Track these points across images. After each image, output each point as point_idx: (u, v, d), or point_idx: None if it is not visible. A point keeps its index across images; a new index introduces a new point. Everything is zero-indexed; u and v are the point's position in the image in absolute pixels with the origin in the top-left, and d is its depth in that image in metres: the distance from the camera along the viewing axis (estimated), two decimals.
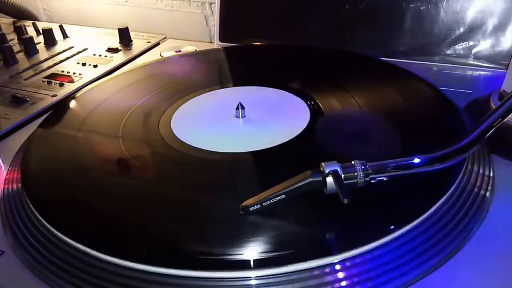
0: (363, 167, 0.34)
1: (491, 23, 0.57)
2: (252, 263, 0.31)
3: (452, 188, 0.37)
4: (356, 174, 0.34)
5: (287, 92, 0.54)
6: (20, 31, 0.83)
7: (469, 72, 0.59)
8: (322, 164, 0.34)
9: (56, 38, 0.81)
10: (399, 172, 0.35)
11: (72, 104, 0.57)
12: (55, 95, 0.61)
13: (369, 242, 0.32)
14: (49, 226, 0.36)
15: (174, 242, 0.34)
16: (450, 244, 0.33)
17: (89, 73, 0.68)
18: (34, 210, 0.38)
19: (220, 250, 0.32)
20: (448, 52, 0.60)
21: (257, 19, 0.72)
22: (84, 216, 0.37)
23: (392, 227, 0.33)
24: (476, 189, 0.38)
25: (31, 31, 0.84)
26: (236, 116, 0.50)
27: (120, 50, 0.76)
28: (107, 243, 0.34)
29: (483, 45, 0.58)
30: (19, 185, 0.42)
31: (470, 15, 0.58)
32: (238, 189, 0.41)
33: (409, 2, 0.61)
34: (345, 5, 0.65)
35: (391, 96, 0.51)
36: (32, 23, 0.86)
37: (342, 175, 0.34)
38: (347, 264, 0.32)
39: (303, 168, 0.35)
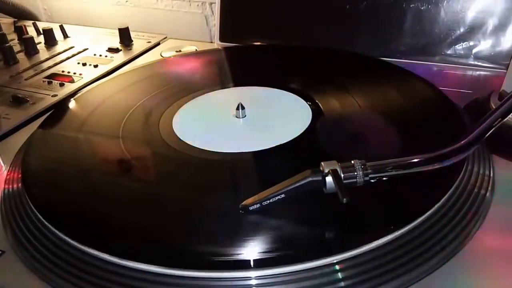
0: (362, 166, 0.34)
1: (491, 23, 0.57)
2: (252, 262, 0.31)
3: (452, 188, 0.37)
4: (355, 173, 0.34)
5: (287, 92, 0.54)
6: (20, 31, 0.83)
7: (469, 72, 0.59)
8: (322, 163, 0.35)
9: (57, 38, 0.81)
10: (398, 172, 0.35)
11: (73, 104, 0.57)
12: (55, 95, 0.61)
13: (369, 242, 0.32)
14: (49, 226, 0.36)
15: (174, 242, 0.34)
16: (450, 244, 0.33)
17: (90, 73, 0.68)
18: (35, 210, 0.38)
19: (220, 250, 0.32)
20: (448, 52, 0.60)
21: (257, 19, 0.72)
22: (85, 216, 0.37)
23: (392, 227, 0.33)
24: (476, 189, 0.38)
25: (31, 31, 0.84)
26: (236, 116, 0.50)
27: (121, 50, 0.76)
28: (108, 242, 0.34)
29: (483, 45, 0.58)
30: (20, 185, 0.42)
31: (470, 15, 0.58)
32: (238, 189, 0.41)
33: (409, 2, 0.61)
34: (345, 5, 0.65)
35: (391, 96, 0.51)
36: (33, 23, 0.87)
37: (342, 175, 0.34)
38: (347, 264, 0.32)
39: (303, 168, 0.35)
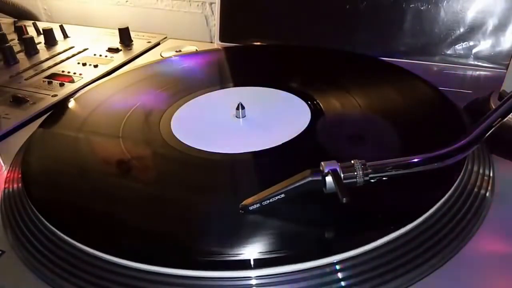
0: (362, 166, 0.34)
1: (491, 23, 0.57)
2: (252, 262, 0.31)
3: (452, 188, 0.37)
4: (355, 173, 0.34)
5: (287, 92, 0.54)
6: (20, 31, 0.83)
7: (469, 72, 0.59)
8: (322, 163, 0.34)
9: (57, 38, 0.81)
10: (398, 172, 0.35)
11: (73, 104, 0.57)
12: (55, 95, 0.61)
13: (369, 242, 0.32)
14: (50, 226, 0.36)
15: (174, 242, 0.34)
16: (450, 244, 0.33)
17: (90, 73, 0.68)
18: (35, 210, 0.38)
19: (219, 250, 0.32)
20: (448, 52, 0.60)
21: (257, 19, 0.72)
22: (85, 216, 0.37)
23: (392, 227, 0.33)
24: (476, 189, 0.38)
25: (31, 31, 0.84)
26: (236, 116, 0.50)
27: (121, 50, 0.76)
28: (108, 242, 0.34)
29: (483, 45, 0.58)
30: (20, 185, 0.42)
31: (470, 15, 0.58)
32: (238, 189, 0.41)
33: (409, 2, 0.61)
34: (345, 5, 0.65)
35: (391, 96, 0.51)
36: (33, 23, 0.87)
37: (342, 175, 0.34)
38: (347, 264, 0.32)
39: (303, 168, 0.35)
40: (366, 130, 0.47)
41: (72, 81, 0.65)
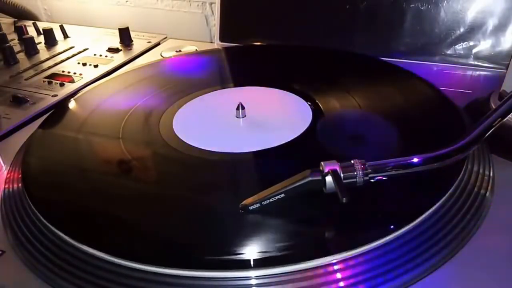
0: (362, 166, 0.34)
1: (491, 23, 0.57)
2: (252, 262, 0.31)
3: (452, 187, 0.37)
4: (355, 173, 0.34)
5: (287, 92, 0.54)
6: (20, 31, 0.83)
7: (469, 72, 0.59)
8: (322, 163, 0.35)
9: (57, 38, 0.81)
10: (398, 172, 0.35)
11: (73, 104, 0.57)
12: (55, 95, 0.61)
13: (369, 242, 0.32)
14: (50, 226, 0.36)
15: (174, 242, 0.34)
16: (450, 244, 0.33)
17: (90, 73, 0.68)
18: (35, 210, 0.38)
19: (219, 250, 0.32)
20: (448, 52, 0.60)
21: (257, 19, 0.72)
22: (85, 216, 0.37)
23: (392, 226, 0.33)
24: (476, 189, 0.38)
25: (31, 31, 0.84)
26: (237, 116, 0.50)
27: (121, 50, 0.76)
28: (108, 242, 0.34)
29: (483, 45, 0.58)
30: (20, 185, 0.42)
31: (470, 15, 0.58)
32: (238, 189, 0.41)
33: (409, 2, 0.61)
34: (345, 5, 0.65)
35: (391, 96, 0.51)
36: (33, 23, 0.87)
37: (342, 175, 0.34)
38: (347, 264, 0.32)
39: (303, 168, 0.35)
40: (366, 130, 0.47)
41: (72, 81, 0.65)
